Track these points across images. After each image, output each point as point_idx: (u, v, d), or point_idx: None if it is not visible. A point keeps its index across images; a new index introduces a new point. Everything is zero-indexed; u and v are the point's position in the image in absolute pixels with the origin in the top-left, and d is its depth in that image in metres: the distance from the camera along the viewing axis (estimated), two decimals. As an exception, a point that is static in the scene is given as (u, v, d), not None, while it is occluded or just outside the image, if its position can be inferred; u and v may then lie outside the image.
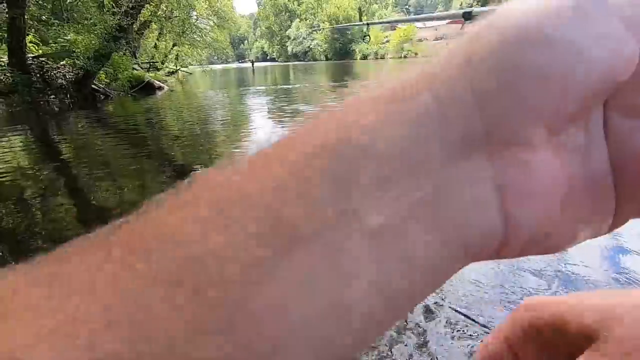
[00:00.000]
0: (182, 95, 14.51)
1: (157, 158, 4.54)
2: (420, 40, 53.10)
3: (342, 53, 63.86)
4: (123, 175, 3.79)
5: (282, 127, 5.66)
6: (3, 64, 9.93)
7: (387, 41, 57.40)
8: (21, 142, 5.82)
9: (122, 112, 9.88)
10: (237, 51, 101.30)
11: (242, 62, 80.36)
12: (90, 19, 10.96)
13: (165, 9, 15.65)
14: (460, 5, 59.44)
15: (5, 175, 3.90)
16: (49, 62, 11.12)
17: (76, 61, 10.86)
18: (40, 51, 11.76)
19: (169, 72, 23.99)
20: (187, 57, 25.56)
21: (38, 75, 10.49)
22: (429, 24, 61.04)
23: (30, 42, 11.43)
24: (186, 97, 13.77)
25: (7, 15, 9.58)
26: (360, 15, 67.22)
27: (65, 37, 11.15)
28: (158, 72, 19.91)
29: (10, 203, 3.09)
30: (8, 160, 4.56)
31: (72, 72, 11.25)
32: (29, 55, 10.64)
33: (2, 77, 9.55)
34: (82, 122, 8.02)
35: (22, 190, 3.44)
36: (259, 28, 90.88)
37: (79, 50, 10.54)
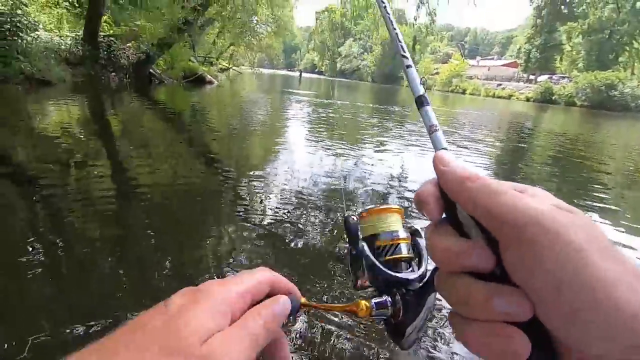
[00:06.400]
0: (229, 92, 15.11)
1: (193, 146, 4.77)
2: (470, 77, 52.35)
3: (389, 77, 64.19)
4: (159, 157, 4.02)
5: (318, 138, 5.76)
6: (78, 38, 10.83)
7: (437, 73, 57.09)
8: (78, 111, 6.30)
9: (172, 99, 10.44)
10: (287, 60, 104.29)
11: (291, 71, 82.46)
12: (162, 9, 11.76)
13: (230, 10, 16.49)
14: (518, 49, 58.32)
15: (59, 139, 4.24)
16: (117, 42, 12.01)
17: (141, 45, 11.66)
18: (111, 31, 12.73)
19: (221, 68, 25.09)
20: (241, 57, 26.63)
21: (105, 52, 11.35)
22: (482, 62, 60.27)
23: (105, 21, 12.42)
24: (232, 94, 14.33)
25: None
26: (414, 44, 67.43)
27: (135, 22, 12.02)
28: (211, 67, 20.87)
29: (57, 166, 3.36)
30: (64, 127, 4.95)
31: (134, 55, 12.08)
32: (101, 33, 11.55)
33: (75, 50, 10.39)
34: (135, 102, 8.55)
35: (70, 155, 3.73)
36: (313, 41, 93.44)
37: (144, 35, 11.30)
